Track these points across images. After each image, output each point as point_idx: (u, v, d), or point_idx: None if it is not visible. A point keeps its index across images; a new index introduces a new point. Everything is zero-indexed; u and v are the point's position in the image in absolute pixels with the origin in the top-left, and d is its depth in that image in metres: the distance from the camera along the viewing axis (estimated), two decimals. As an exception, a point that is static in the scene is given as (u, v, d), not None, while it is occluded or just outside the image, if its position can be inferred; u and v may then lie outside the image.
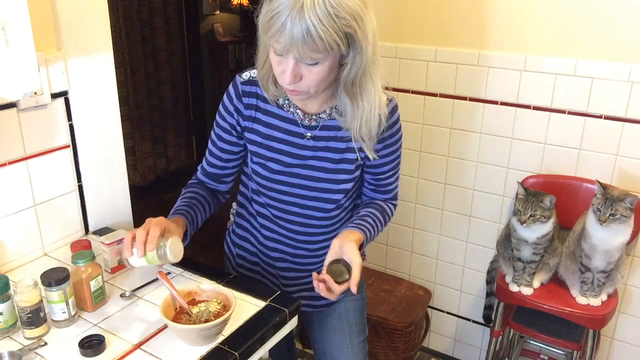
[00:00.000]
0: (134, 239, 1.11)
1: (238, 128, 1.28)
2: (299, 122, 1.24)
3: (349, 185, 1.28)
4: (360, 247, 1.19)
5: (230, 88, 1.26)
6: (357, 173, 1.29)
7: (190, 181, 1.39)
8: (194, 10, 4.51)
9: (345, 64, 1.08)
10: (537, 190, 1.76)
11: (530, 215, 1.71)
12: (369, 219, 1.28)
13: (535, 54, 1.90)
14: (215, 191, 1.39)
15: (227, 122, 1.28)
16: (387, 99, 1.23)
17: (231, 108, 1.26)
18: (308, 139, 1.24)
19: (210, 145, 1.34)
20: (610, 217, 1.61)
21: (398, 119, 1.27)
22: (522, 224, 1.72)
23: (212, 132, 1.33)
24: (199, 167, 1.39)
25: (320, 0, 0.97)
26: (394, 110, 1.25)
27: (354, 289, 1.11)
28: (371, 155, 1.24)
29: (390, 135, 1.26)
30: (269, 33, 1.02)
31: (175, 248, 1.12)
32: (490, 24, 1.96)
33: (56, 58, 1.37)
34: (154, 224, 1.12)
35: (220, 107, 1.29)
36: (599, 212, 1.63)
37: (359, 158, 1.26)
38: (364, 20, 1.03)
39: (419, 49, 2.12)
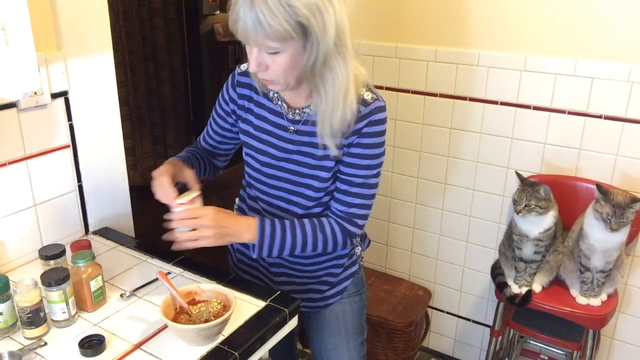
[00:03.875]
0: None
1: (234, 116, 1.32)
2: (284, 115, 1.24)
3: (328, 184, 1.25)
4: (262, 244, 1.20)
5: (230, 77, 1.31)
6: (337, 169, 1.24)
7: (194, 144, 1.46)
8: (194, 10, 4.51)
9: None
10: (534, 181, 1.75)
11: (525, 205, 1.70)
12: (290, 221, 1.23)
13: (535, 54, 1.90)
14: (212, 160, 1.45)
15: (223, 110, 1.34)
16: (371, 98, 1.17)
17: (227, 97, 1.31)
18: (292, 132, 1.24)
19: (209, 123, 1.41)
20: (621, 224, 1.61)
21: (377, 133, 1.18)
22: (518, 214, 1.72)
23: (212, 112, 1.38)
24: (200, 136, 1.45)
25: None
26: (370, 113, 1.17)
27: None
28: (333, 151, 1.18)
29: (356, 144, 1.18)
30: (230, 23, 1.05)
31: None
32: (490, 24, 1.96)
33: (56, 58, 1.37)
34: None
35: (220, 94, 1.34)
36: (609, 221, 1.61)
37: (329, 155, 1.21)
38: (322, 12, 1.01)
39: (419, 49, 2.11)
